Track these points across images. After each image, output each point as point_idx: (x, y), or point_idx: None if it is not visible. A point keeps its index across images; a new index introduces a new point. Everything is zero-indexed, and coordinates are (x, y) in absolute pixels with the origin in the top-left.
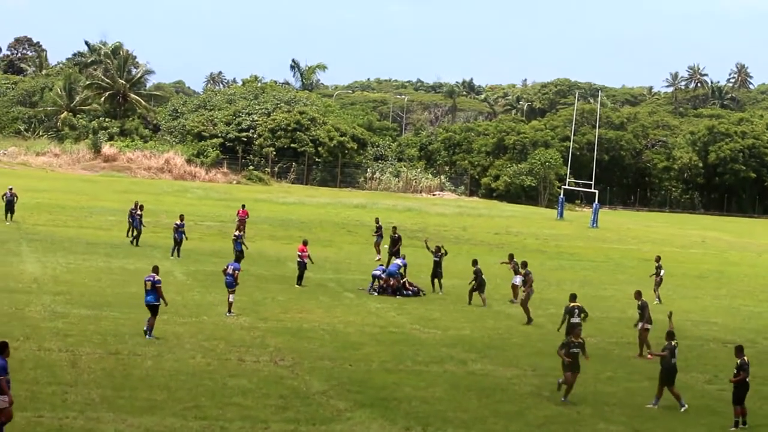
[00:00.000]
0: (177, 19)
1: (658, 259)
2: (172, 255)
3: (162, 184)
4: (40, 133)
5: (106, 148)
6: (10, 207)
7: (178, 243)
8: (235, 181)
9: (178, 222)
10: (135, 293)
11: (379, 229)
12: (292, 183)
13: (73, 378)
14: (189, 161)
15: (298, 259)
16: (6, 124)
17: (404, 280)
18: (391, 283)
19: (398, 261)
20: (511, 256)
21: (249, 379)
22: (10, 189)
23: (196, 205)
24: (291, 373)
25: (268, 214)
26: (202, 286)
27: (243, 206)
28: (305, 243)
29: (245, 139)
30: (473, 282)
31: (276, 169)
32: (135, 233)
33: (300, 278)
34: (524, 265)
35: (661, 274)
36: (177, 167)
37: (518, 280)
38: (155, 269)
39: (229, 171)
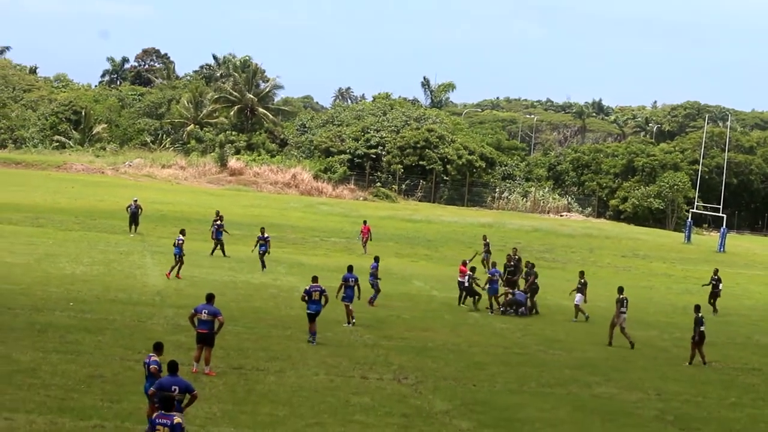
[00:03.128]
0: (306, 34)
1: (716, 272)
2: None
3: (288, 200)
4: (166, 146)
5: (233, 162)
6: (134, 219)
7: (261, 255)
8: (362, 198)
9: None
10: (259, 308)
11: (486, 245)
12: (419, 201)
13: None
14: (316, 177)
15: (459, 279)
16: (132, 136)
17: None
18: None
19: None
20: (581, 273)
21: (372, 397)
22: (135, 201)
23: (322, 221)
24: (414, 391)
25: (394, 232)
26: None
27: (365, 222)
28: (464, 263)
29: (374, 156)
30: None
31: (403, 186)
32: (214, 245)
33: (462, 299)
34: (620, 290)
35: (720, 287)
36: (304, 183)
37: (579, 299)
38: (316, 279)
39: (356, 187)
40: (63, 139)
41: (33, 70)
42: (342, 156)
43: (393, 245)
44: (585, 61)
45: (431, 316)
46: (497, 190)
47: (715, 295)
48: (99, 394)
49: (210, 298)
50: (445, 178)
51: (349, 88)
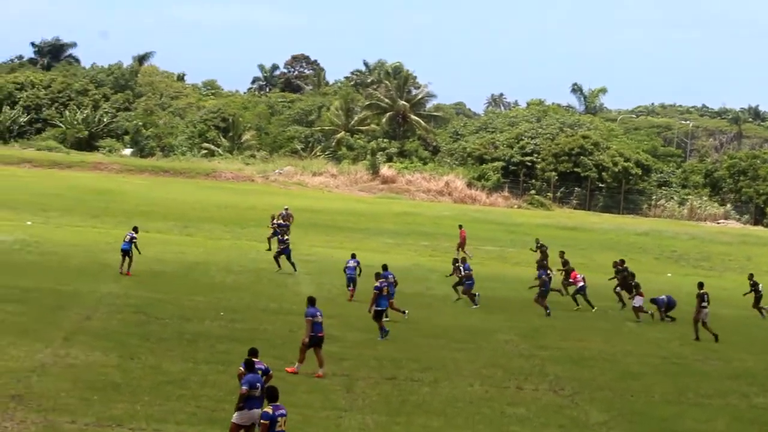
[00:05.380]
0: (458, 40)
1: (750, 276)
2: None
3: (441, 207)
4: (317, 153)
5: (385, 170)
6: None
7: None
8: (516, 206)
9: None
10: (412, 317)
11: (540, 246)
12: (574, 208)
13: (348, 403)
14: (469, 184)
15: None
16: (282, 144)
17: None
18: None
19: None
20: (632, 275)
21: (527, 408)
22: (286, 209)
23: (476, 230)
24: (570, 402)
25: (549, 240)
26: (480, 312)
27: (460, 226)
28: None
29: (528, 163)
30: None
31: (558, 193)
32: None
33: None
34: (700, 286)
35: (760, 288)
36: (457, 190)
37: (639, 300)
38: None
39: (510, 195)
40: (212, 146)
41: (181, 77)
42: (496, 163)
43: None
44: (740, 67)
45: (587, 325)
46: (653, 197)
47: (758, 299)
48: None
49: (315, 300)
50: (600, 185)
51: (501, 94)
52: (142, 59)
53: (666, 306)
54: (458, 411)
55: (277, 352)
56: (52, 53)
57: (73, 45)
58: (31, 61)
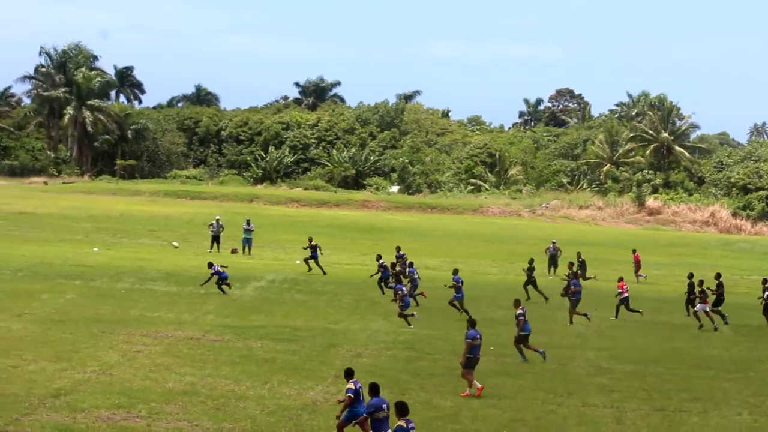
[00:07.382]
0: (721, 69)
1: (764, 281)
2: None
3: (707, 238)
4: (583, 186)
5: (650, 201)
6: (553, 261)
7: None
8: None
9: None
10: (680, 348)
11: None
12: None
13: None
14: (734, 214)
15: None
16: (548, 177)
17: None
18: None
19: None
20: (700, 282)
21: None
22: (554, 243)
23: (742, 259)
24: None
25: None
26: (748, 341)
27: (634, 251)
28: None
29: None
30: None
31: None
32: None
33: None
34: None
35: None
36: (722, 220)
37: (700, 307)
38: (518, 302)
39: None
40: (478, 182)
41: (445, 114)
42: (760, 192)
43: None
44: None
45: None
46: None
47: None
48: None
49: (475, 322)
50: None
51: (764, 123)
52: (408, 98)
53: None
54: None
55: (546, 386)
56: (317, 93)
57: (337, 84)
58: (296, 101)
